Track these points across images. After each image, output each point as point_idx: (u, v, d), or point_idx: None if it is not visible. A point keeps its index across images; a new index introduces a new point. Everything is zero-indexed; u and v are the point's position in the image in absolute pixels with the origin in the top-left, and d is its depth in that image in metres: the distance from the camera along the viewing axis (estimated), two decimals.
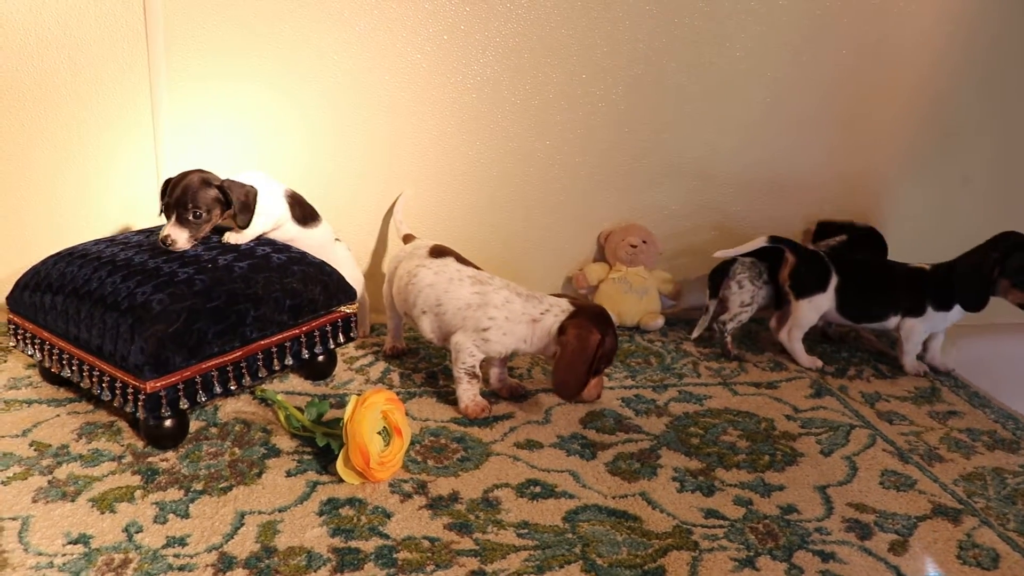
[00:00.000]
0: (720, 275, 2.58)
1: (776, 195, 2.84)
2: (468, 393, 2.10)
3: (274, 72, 2.44)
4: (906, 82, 2.76)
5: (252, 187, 2.14)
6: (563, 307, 2.04)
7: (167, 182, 2.10)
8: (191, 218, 2.06)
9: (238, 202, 2.09)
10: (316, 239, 2.31)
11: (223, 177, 2.12)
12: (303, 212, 2.29)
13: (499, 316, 2.04)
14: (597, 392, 2.11)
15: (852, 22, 2.66)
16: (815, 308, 2.48)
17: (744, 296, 2.54)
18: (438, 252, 2.21)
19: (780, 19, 2.62)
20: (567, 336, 1.98)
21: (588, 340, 1.97)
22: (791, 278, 2.49)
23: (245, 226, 2.13)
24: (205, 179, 2.08)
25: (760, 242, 2.51)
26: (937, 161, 2.88)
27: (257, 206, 2.15)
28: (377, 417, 1.78)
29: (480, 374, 2.11)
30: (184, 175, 2.09)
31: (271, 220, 2.20)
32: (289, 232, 2.26)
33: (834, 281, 2.46)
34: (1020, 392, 2.44)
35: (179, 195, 2.06)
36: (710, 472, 1.94)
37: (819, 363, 2.51)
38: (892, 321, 2.49)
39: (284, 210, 2.24)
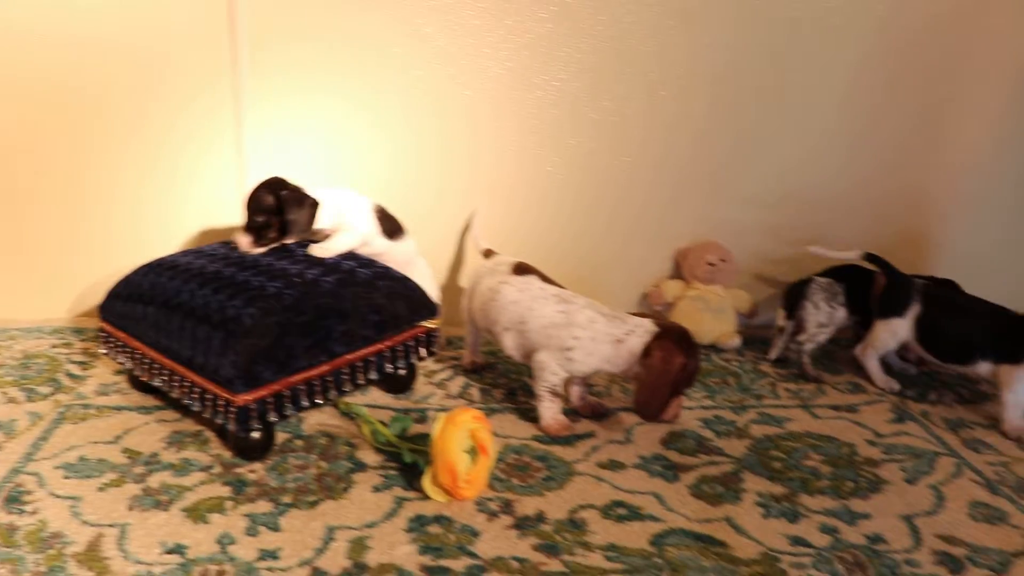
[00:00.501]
0: (796, 295, 2.56)
1: (857, 215, 2.80)
2: (550, 411, 2.10)
3: (355, 87, 2.47)
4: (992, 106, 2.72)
5: (313, 199, 2.16)
6: (647, 328, 2.03)
7: None
8: (251, 224, 2.13)
9: (291, 212, 2.12)
10: (402, 253, 2.34)
11: (308, 190, 2.16)
12: (390, 226, 2.32)
13: (583, 336, 2.04)
14: (676, 412, 2.09)
15: (936, 43, 2.63)
16: (891, 332, 2.44)
17: (820, 317, 2.52)
18: (521, 270, 2.22)
19: (863, 38, 2.59)
20: (652, 358, 1.98)
21: (672, 362, 1.97)
22: (878, 298, 2.46)
23: (296, 235, 2.16)
24: (269, 186, 2.14)
25: (854, 255, 2.49)
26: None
27: (347, 222, 2.20)
28: (465, 435, 1.79)
29: (562, 392, 2.12)
30: (258, 182, 2.15)
31: (358, 236, 2.23)
32: (377, 247, 2.28)
33: (915, 309, 2.41)
34: None
35: (246, 200, 2.13)
36: (794, 497, 1.92)
37: (896, 385, 2.48)
38: (983, 367, 2.33)
39: (372, 226, 2.27)
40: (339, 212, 2.22)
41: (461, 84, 2.50)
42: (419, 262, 2.41)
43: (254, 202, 2.13)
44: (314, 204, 2.16)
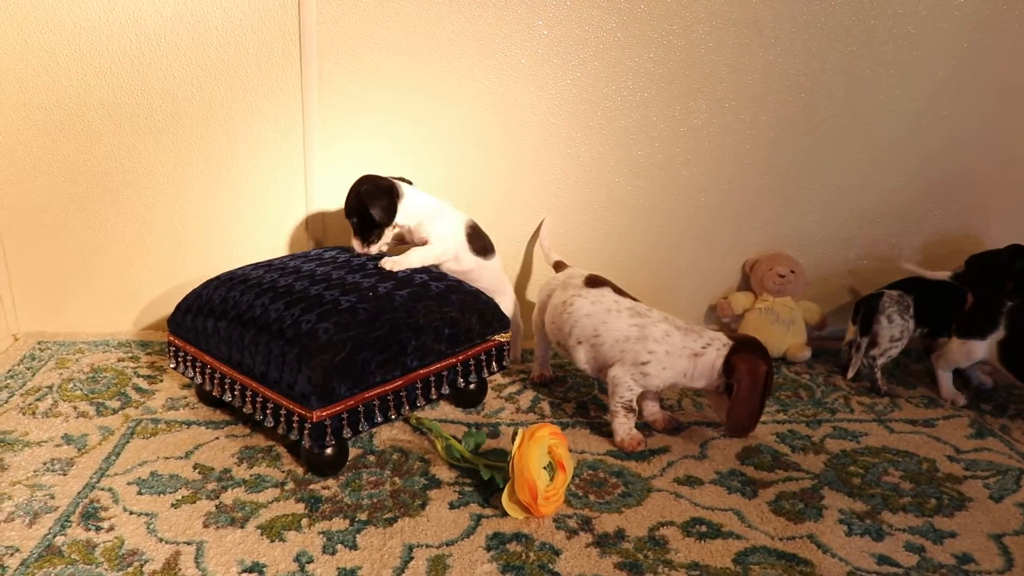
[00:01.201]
0: (868, 309, 2.50)
1: (927, 227, 2.75)
2: (624, 427, 2.07)
3: (423, 100, 2.46)
4: None
5: (392, 185, 2.20)
6: (724, 341, 2.00)
7: None
8: (353, 226, 2.21)
9: (372, 207, 2.16)
10: (491, 272, 2.33)
11: (400, 185, 2.23)
12: (481, 244, 2.31)
13: (659, 350, 2.01)
14: None
15: (1008, 52, 2.58)
16: (967, 353, 2.38)
17: (894, 331, 2.46)
18: (594, 282, 2.19)
19: (936, 45, 2.54)
20: (739, 373, 1.95)
21: (759, 373, 1.95)
22: (964, 316, 2.41)
23: (383, 222, 2.18)
24: (356, 185, 2.20)
25: (945, 275, 2.47)
26: None
27: (429, 229, 2.21)
28: (543, 451, 1.76)
29: (636, 407, 2.09)
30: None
31: (438, 251, 2.21)
32: (466, 263, 2.27)
33: (998, 334, 2.35)
34: None
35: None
36: (876, 515, 1.87)
37: (961, 400, 2.41)
38: None
39: (461, 241, 2.26)
40: (422, 215, 2.23)
41: (530, 94, 2.48)
42: (508, 287, 2.41)
43: (346, 205, 2.20)
44: (392, 191, 2.19)
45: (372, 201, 2.16)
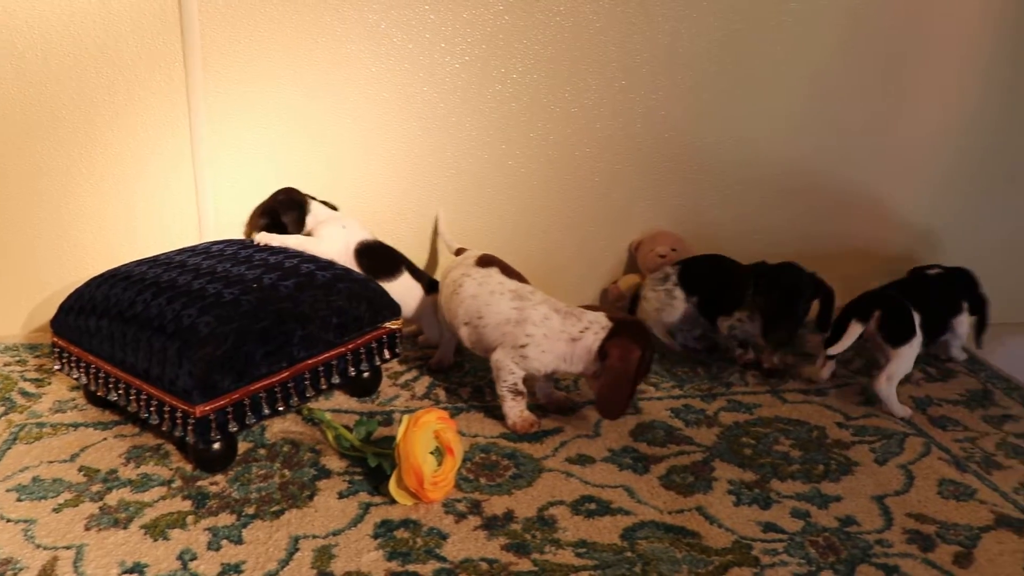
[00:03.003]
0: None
1: (822, 206, 2.82)
2: (514, 410, 2.07)
3: (310, 88, 2.43)
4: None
5: (302, 202, 2.40)
6: (602, 324, 1.99)
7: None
8: (258, 226, 2.40)
9: (284, 215, 2.37)
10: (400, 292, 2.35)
11: (310, 202, 2.43)
12: (374, 265, 2.36)
13: (537, 333, 2.01)
14: None
15: (898, 25, 2.63)
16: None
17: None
18: (485, 261, 2.19)
19: (825, 22, 2.59)
20: (611, 359, 1.94)
21: (631, 359, 1.94)
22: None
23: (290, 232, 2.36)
24: (276, 193, 2.42)
25: None
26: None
27: (319, 232, 2.36)
28: (429, 437, 1.76)
29: (524, 390, 2.08)
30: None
31: (323, 245, 2.32)
32: None
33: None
34: None
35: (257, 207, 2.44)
36: (765, 484, 1.91)
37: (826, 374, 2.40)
38: None
39: (346, 252, 2.36)
40: (318, 222, 2.37)
41: (419, 80, 2.46)
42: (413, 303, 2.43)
43: (261, 206, 2.41)
44: (303, 207, 2.39)
45: (285, 211, 2.36)
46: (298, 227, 2.36)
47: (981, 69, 2.69)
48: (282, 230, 2.34)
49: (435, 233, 2.62)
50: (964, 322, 2.51)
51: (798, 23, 2.57)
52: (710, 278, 2.47)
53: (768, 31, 2.57)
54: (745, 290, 2.36)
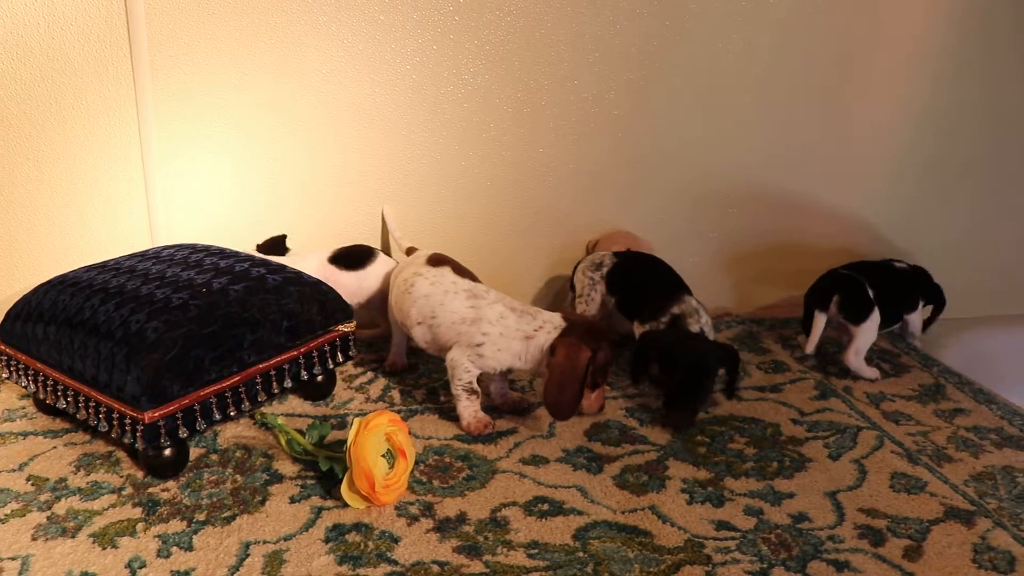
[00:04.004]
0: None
1: (778, 207, 2.83)
2: (469, 410, 2.07)
3: (262, 94, 2.40)
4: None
5: (281, 246, 2.50)
6: (556, 323, 2.00)
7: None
8: None
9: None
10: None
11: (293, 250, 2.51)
12: (350, 262, 2.44)
13: (493, 332, 2.01)
14: (599, 405, 2.08)
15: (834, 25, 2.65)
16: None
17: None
18: (436, 260, 2.18)
19: (770, 20, 2.60)
20: (556, 356, 1.95)
21: (578, 359, 1.94)
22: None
23: None
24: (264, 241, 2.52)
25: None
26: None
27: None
28: (381, 439, 1.75)
29: (479, 390, 2.08)
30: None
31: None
32: (344, 280, 2.42)
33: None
34: None
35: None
36: (719, 482, 1.92)
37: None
38: None
39: (327, 270, 2.41)
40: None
41: (371, 81, 2.45)
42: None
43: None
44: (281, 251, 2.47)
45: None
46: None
47: (930, 66, 2.72)
48: None
49: (384, 230, 2.60)
50: (917, 320, 2.58)
51: (748, 22, 2.58)
52: (638, 283, 2.42)
53: (718, 29, 2.58)
54: (665, 304, 2.31)
